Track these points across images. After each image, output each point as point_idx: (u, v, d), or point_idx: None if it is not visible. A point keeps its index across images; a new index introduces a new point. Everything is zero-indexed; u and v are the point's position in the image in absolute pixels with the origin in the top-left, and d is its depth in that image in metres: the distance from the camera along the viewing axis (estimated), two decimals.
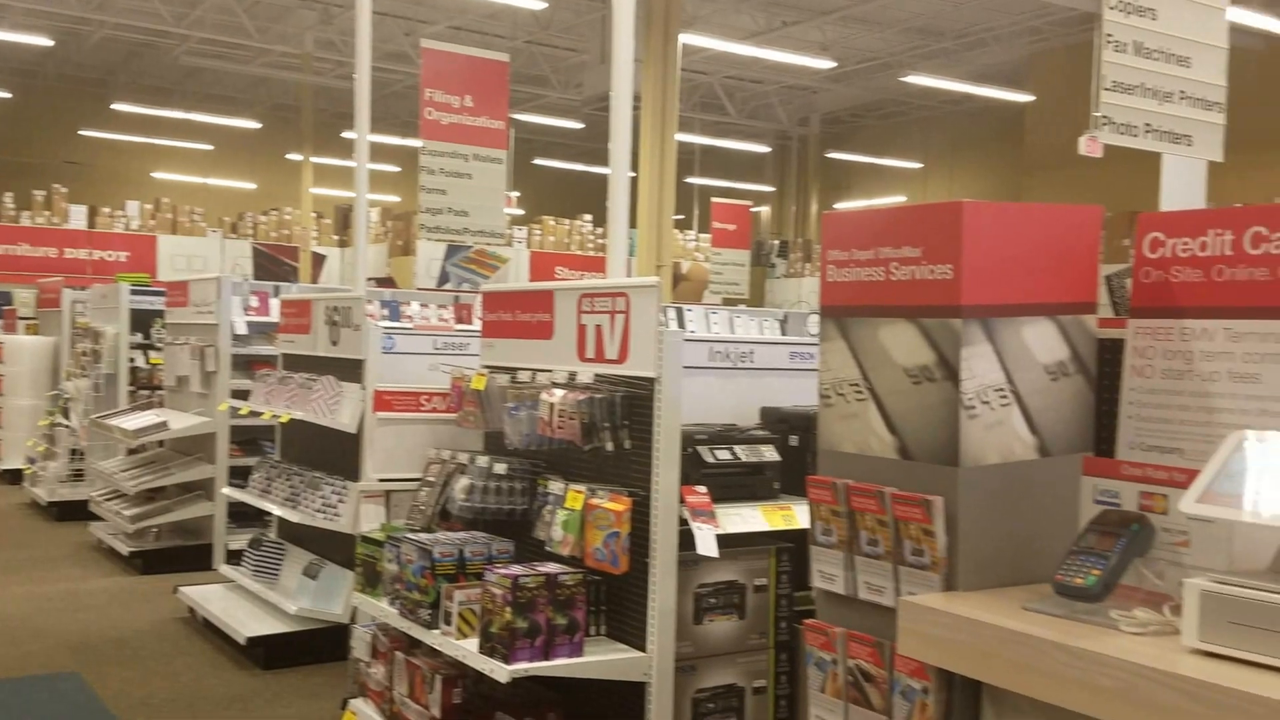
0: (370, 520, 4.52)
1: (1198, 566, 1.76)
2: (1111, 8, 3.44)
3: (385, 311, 8.06)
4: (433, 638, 3.36)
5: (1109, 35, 3.55)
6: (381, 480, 4.72)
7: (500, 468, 3.56)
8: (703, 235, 18.41)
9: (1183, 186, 5.00)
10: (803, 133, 23.47)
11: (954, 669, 1.88)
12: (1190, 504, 1.69)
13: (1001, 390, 2.01)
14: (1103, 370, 2.16)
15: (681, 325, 9.88)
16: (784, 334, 9.57)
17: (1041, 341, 2.06)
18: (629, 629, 3.28)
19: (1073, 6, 11.64)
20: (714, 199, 17.29)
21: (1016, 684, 1.77)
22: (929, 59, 17.59)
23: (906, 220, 2.06)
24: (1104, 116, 3.80)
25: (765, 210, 24.93)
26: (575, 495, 3.33)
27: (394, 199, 21.52)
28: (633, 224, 13.72)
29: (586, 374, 3.47)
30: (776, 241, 20.68)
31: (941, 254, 1.98)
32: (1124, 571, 1.81)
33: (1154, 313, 2.07)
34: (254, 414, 5.67)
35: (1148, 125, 3.96)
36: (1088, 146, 4.18)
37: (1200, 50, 3.97)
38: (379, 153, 18.85)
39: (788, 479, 3.46)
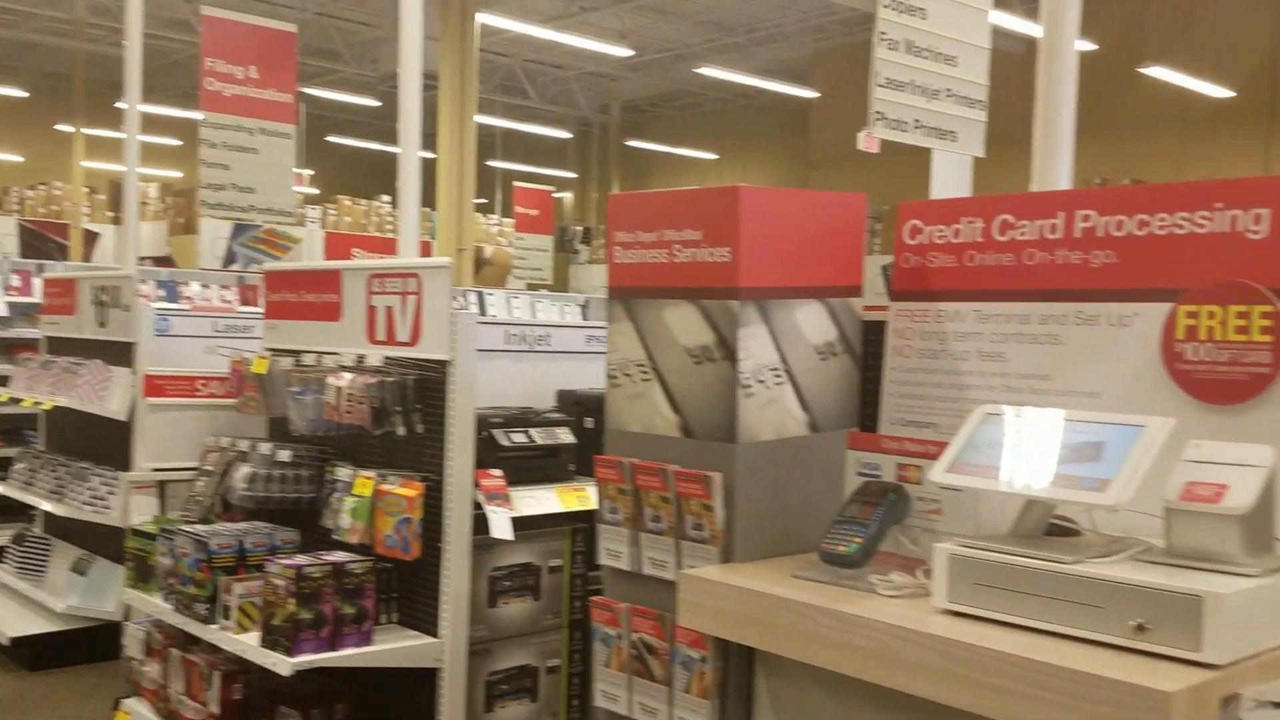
0: (142, 512, 4.28)
1: (949, 532, 1.89)
2: (885, 6, 3.59)
3: (162, 292, 7.61)
4: (210, 633, 3.21)
5: (883, 33, 3.71)
6: (155, 470, 4.48)
7: (284, 455, 3.43)
8: (506, 220, 18.27)
9: (950, 180, 5.33)
10: (604, 120, 23.66)
11: (729, 637, 1.95)
12: (940, 474, 1.81)
13: (776, 370, 2.10)
14: (868, 351, 2.28)
15: (483, 310, 9.79)
16: (586, 319, 9.64)
17: (812, 323, 2.16)
18: (421, 615, 3.24)
19: (854, 6, 12.21)
20: (516, 183, 17.20)
21: (785, 649, 1.86)
22: (722, 52, 18.05)
23: (688, 204, 2.11)
24: (878, 112, 3.96)
25: (568, 196, 24.99)
26: (364, 481, 3.25)
27: (176, 174, 20.30)
28: (433, 206, 13.49)
29: (376, 357, 3.39)
30: (580, 228, 20.77)
31: (720, 237, 2.04)
32: (883, 538, 1.92)
33: (912, 296, 2.21)
34: (14, 401, 5.26)
35: (917, 121, 4.15)
36: (866, 143, 4.38)
37: (966, 50, 4.21)
38: (159, 125, 17.76)
39: (583, 461, 3.49)
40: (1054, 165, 2.52)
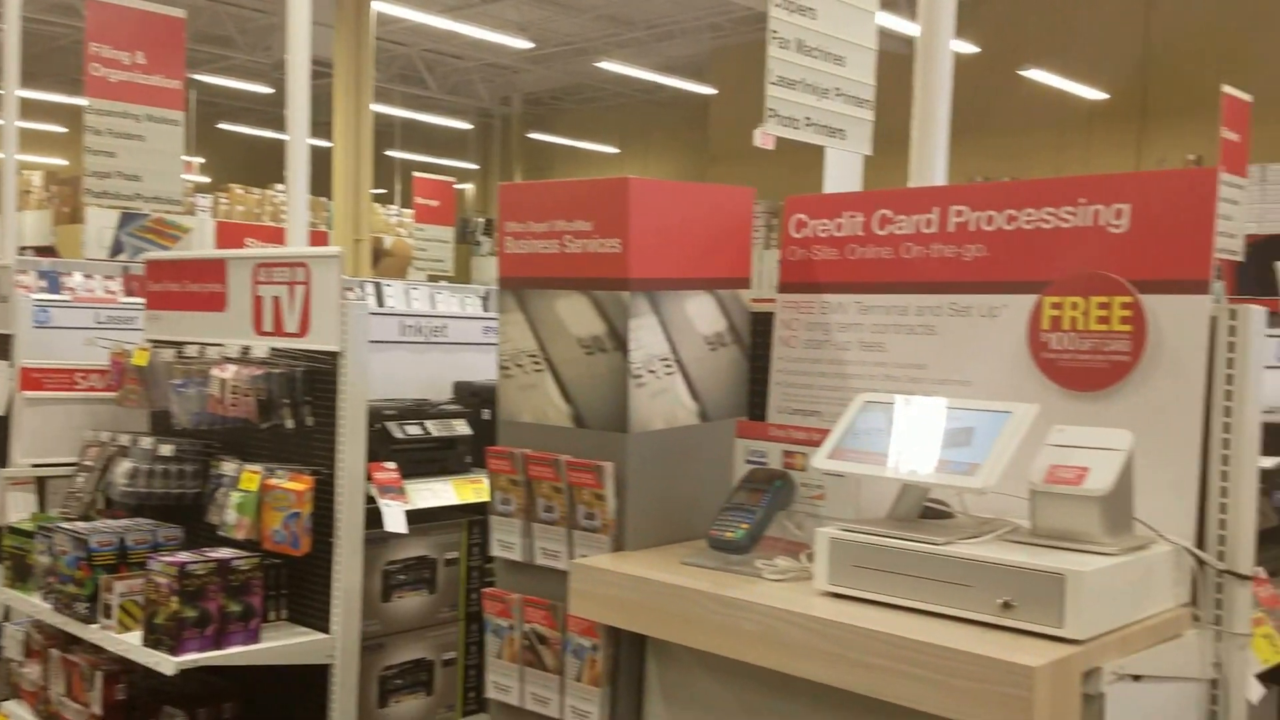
0: (20, 510, 4.10)
1: (832, 517, 1.95)
2: (776, 5, 3.65)
3: (44, 283, 7.30)
4: (91, 633, 3.11)
5: (774, 31, 3.77)
6: (33, 466, 4.30)
7: (167, 449, 3.34)
8: (406, 211, 18.02)
9: (843, 177, 5.45)
10: (505, 112, 23.50)
11: (620, 625, 1.98)
12: (821, 460, 1.87)
13: (666, 360, 2.13)
14: (756, 341, 2.33)
15: (380, 301, 9.63)
16: (487, 310, 9.56)
17: (702, 314, 2.19)
18: (312, 611, 3.19)
19: (750, 5, 12.36)
20: (416, 174, 16.97)
21: (674, 634, 1.89)
22: (622, 47, 18.10)
23: (578, 195, 2.12)
24: (771, 109, 4.02)
25: (470, 188, 24.75)
26: (251, 476, 3.18)
27: (61, 162, 19.49)
28: (330, 196, 13.22)
29: (263, 348, 3.32)
30: (482, 219, 20.59)
31: (611, 228, 2.06)
32: (769, 524, 1.97)
33: (798, 288, 2.26)
34: None
35: (808, 119, 4.23)
36: (761, 139, 4.45)
37: (854, 51, 4.30)
38: (44, 111, 17.01)
39: (480, 453, 3.47)
40: (930, 162, 2.61)
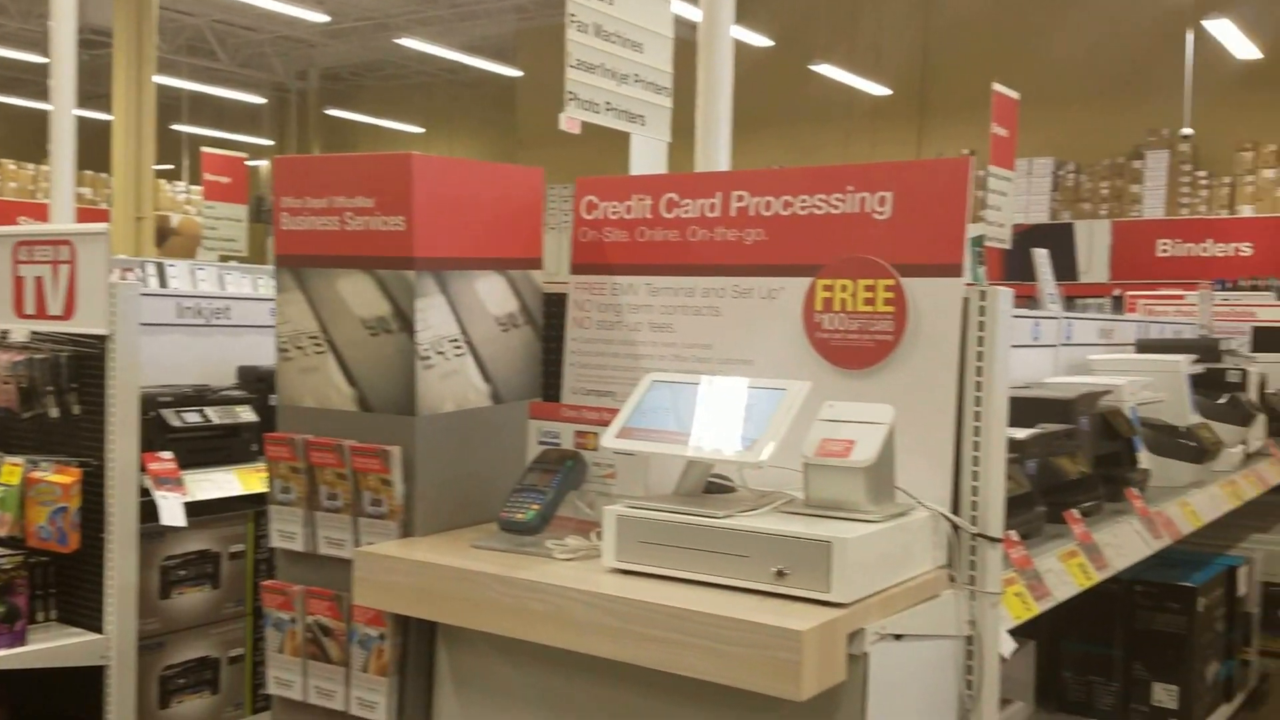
0: None
1: (622, 495, 1.98)
2: None
3: None
4: None
5: (572, 15, 3.78)
6: None
7: None
8: (195, 188, 17.05)
9: (648, 163, 5.53)
10: (301, 87, 22.59)
11: (406, 612, 1.95)
12: (610, 439, 1.90)
13: (456, 341, 2.10)
14: (550, 322, 2.33)
15: (164, 282, 9.09)
16: None
17: (493, 294, 2.18)
18: (84, 611, 3.00)
19: None
20: (205, 149, 16.09)
21: (464, 619, 1.87)
22: (425, 25, 17.72)
23: (359, 170, 2.06)
24: (571, 93, 4.03)
25: (265, 164, 23.68)
26: (12, 469, 2.96)
27: None
28: (109, 171, 12.37)
29: (24, 332, 3.08)
30: None
31: (393, 205, 2.01)
32: (560, 504, 1.98)
33: (590, 269, 2.28)
34: None
35: (608, 104, 4.26)
36: (567, 124, 4.45)
37: (651, 38, 4.36)
38: None
39: None
40: (715, 148, 2.68)
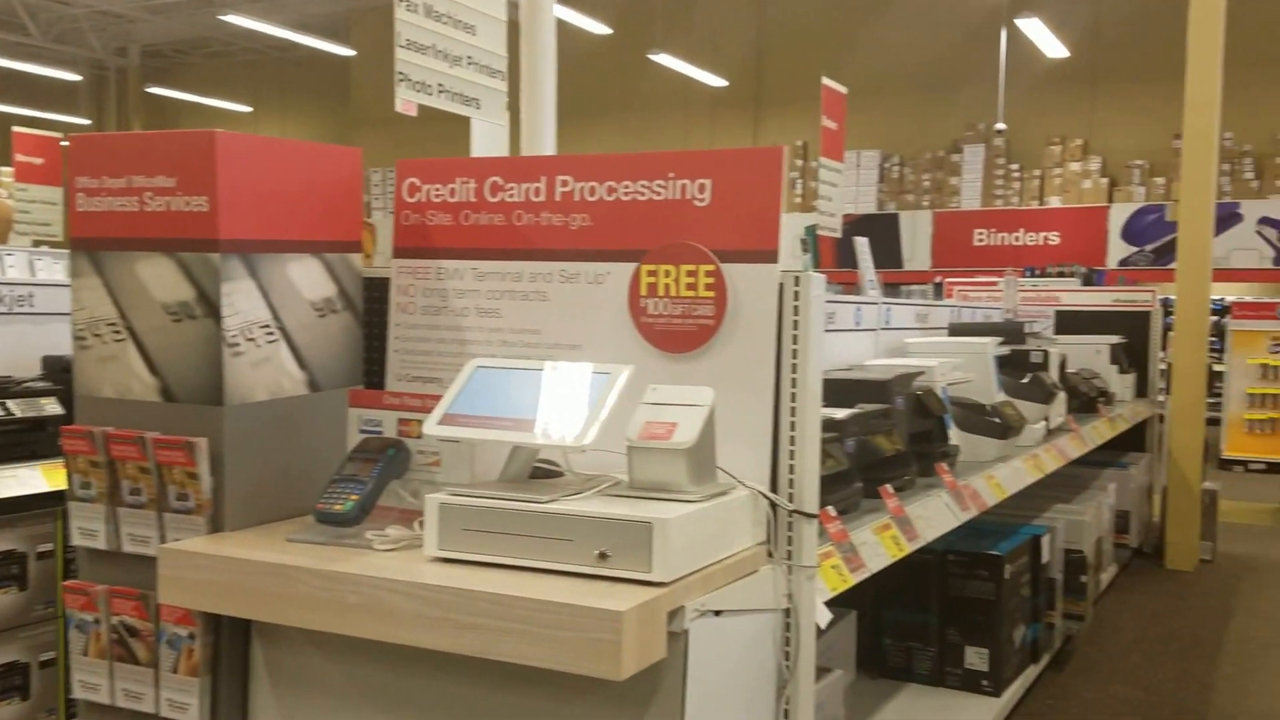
0: None
1: (447, 483, 1.95)
2: None
3: None
4: None
5: None
6: None
7: None
8: (5, 169, 15.90)
9: (489, 146, 5.45)
10: (121, 64, 21.34)
11: (216, 610, 1.87)
12: (432, 426, 1.86)
13: (268, 327, 2.02)
14: (372, 308, 2.27)
15: None
16: None
17: (308, 278, 2.11)
18: None
19: None
20: (16, 129, 15.03)
21: (279, 615, 1.81)
22: (252, 1, 17.00)
23: (159, 148, 1.96)
24: (401, 74, 3.94)
25: None
26: None
27: None
28: None
29: None
30: None
31: (196, 185, 1.92)
32: (381, 494, 1.93)
33: (413, 253, 2.23)
34: None
35: (441, 86, 4.18)
36: (403, 106, 4.34)
37: (484, 20, 4.29)
38: None
39: None
40: (540, 131, 2.67)
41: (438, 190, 2.21)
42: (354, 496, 1.89)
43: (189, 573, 1.85)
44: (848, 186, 13.09)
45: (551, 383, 1.87)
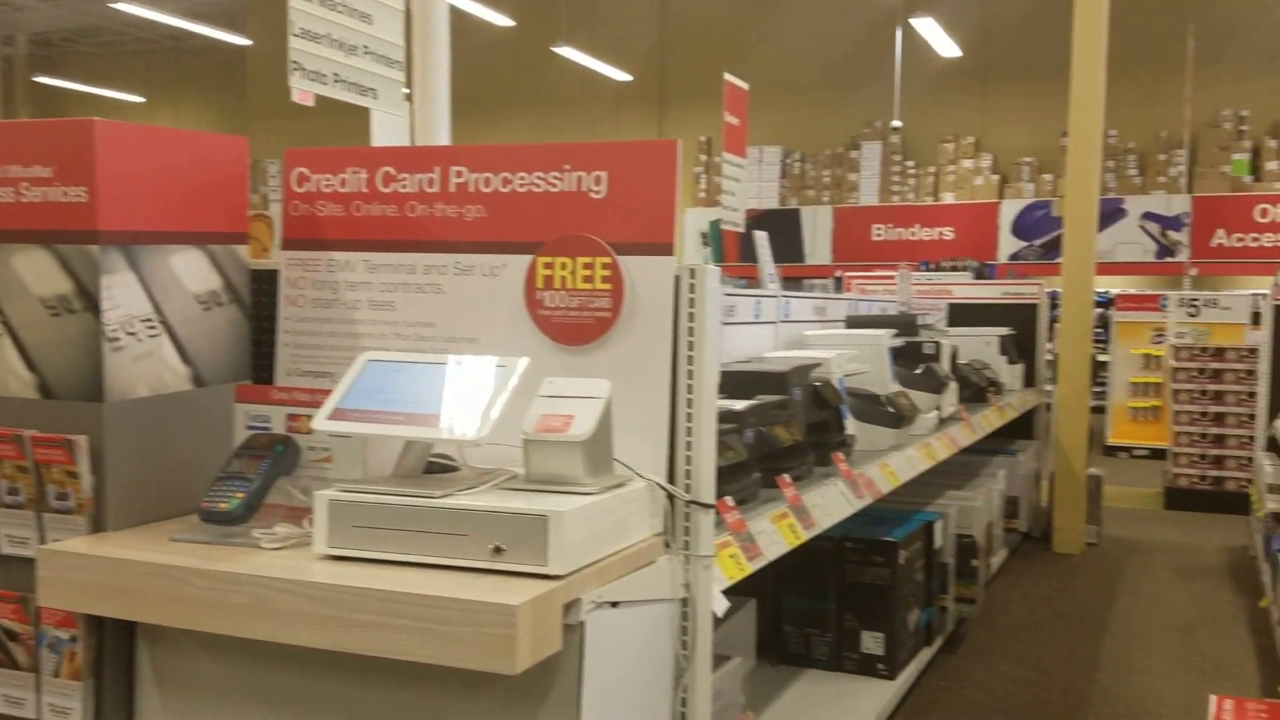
0: None
1: (339, 479, 1.91)
2: None
3: None
4: None
5: None
6: None
7: None
8: None
9: (389, 137, 5.37)
10: (8, 52, 20.42)
11: (98, 612, 1.81)
12: (321, 421, 1.83)
13: (149, 320, 1.96)
14: (260, 300, 2.22)
15: None
16: None
17: (191, 270, 2.05)
18: None
19: None
20: None
21: (164, 616, 1.76)
22: None
23: (36, 137, 1.88)
24: (295, 62, 3.86)
25: None
26: None
27: None
28: None
29: None
30: None
31: (74, 175, 1.85)
32: (268, 491, 1.89)
33: (303, 244, 2.19)
34: None
35: (336, 75, 4.10)
36: (299, 96, 4.24)
37: (380, 9, 4.22)
38: None
39: None
40: (434, 122, 2.64)
41: (328, 180, 2.17)
42: (240, 494, 1.85)
43: (70, 574, 1.78)
44: (751, 182, 13.25)
45: (445, 376, 1.85)
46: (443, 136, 2.69)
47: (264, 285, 2.23)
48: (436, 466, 1.92)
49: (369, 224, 2.14)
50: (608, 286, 1.98)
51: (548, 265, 2.02)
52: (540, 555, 1.65)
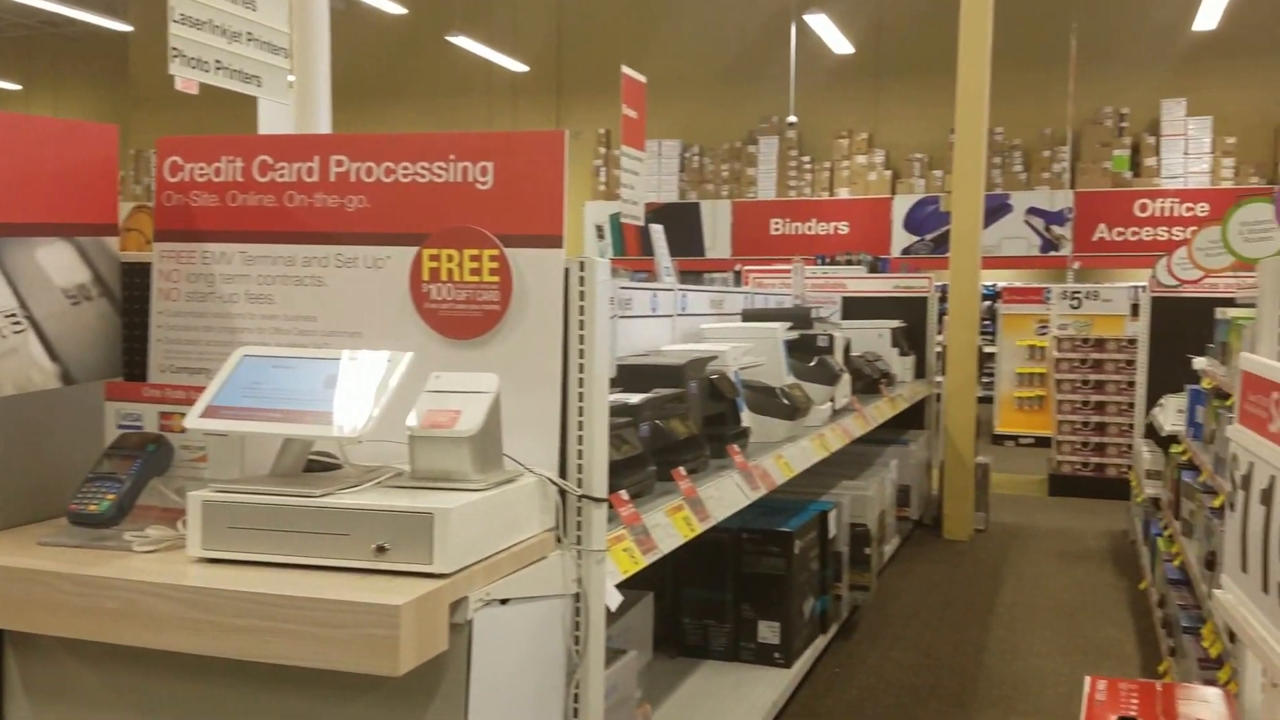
0: None
1: (215, 479, 1.84)
2: None
3: None
4: None
5: None
6: None
7: None
8: None
9: (276, 127, 5.22)
10: None
11: None
12: (194, 419, 1.76)
13: (14, 316, 1.86)
14: (132, 294, 2.13)
15: None
16: None
17: (58, 263, 1.95)
18: None
19: None
20: None
21: (32, 624, 1.68)
22: None
23: None
24: (175, 49, 3.73)
25: None
26: None
27: None
28: None
29: None
30: None
31: None
32: (141, 492, 1.81)
33: (177, 236, 2.10)
34: None
35: (219, 62, 3.97)
36: (183, 84, 4.10)
37: None
38: None
39: None
40: (314, 110, 2.57)
41: (202, 170, 2.09)
42: (110, 496, 1.77)
43: None
44: (650, 175, 13.29)
45: (326, 371, 1.80)
46: (323, 125, 2.62)
47: (136, 279, 2.13)
48: (318, 465, 1.87)
49: (246, 214, 2.07)
50: (495, 279, 1.95)
51: (434, 257, 1.98)
52: (425, 553, 1.62)
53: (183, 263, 2.10)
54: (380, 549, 1.63)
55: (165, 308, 2.11)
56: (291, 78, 4.33)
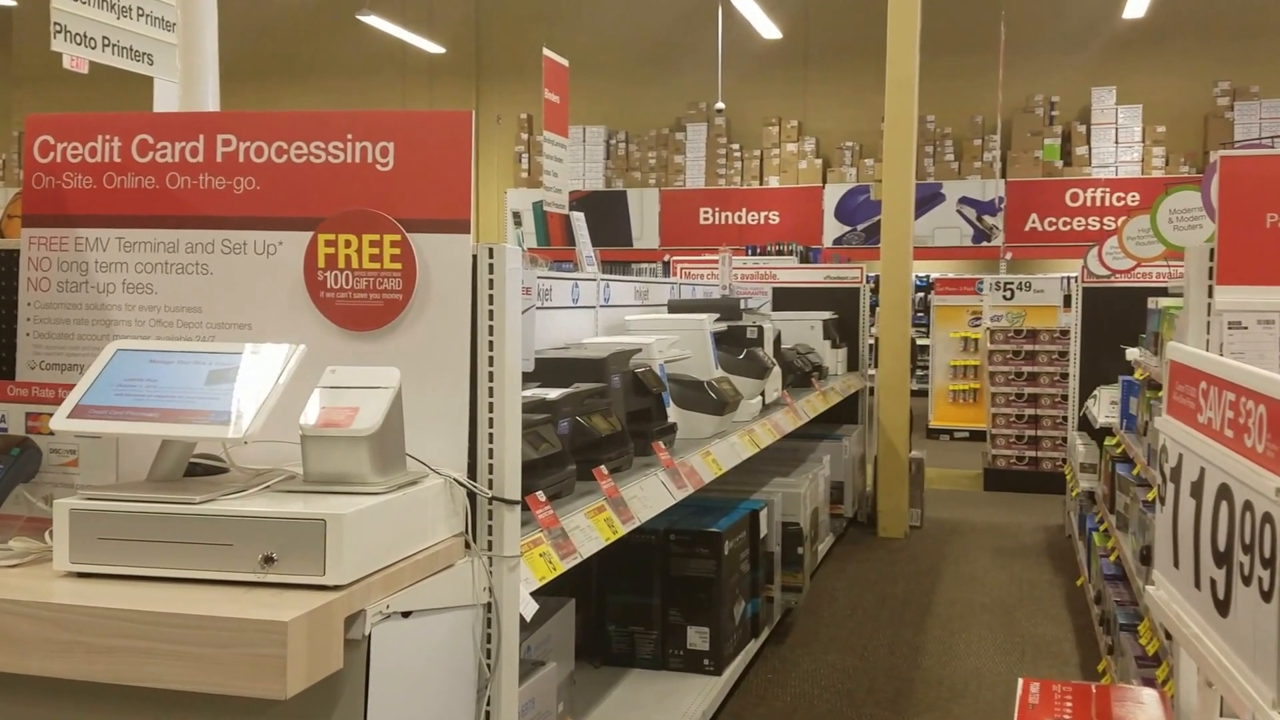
0: None
1: (86, 486, 1.68)
2: None
3: None
4: None
5: None
6: None
7: None
8: None
9: (171, 106, 4.99)
10: None
11: None
12: (60, 420, 1.60)
13: None
14: (1, 285, 1.95)
15: None
16: None
17: None
18: None
19: None
20: None
21: None
22: None
23: None
24: (58, 24, 3.52)
25: None
26: None
27: None
28: None
29: None
30: None
31: None
32: (4, 500, 1.66)
33: (47, 221, 1.93)
34: None
35: (106, 39, 3.77)
36: (72, 63, 3.89)
37: None
38: None
39: None
40: (199, 86, 2.40)
41: (75, 149, 1.92)
42: None
43: None
44: (574, 162, 13.10)
45: (209, 366, 1.65)
46: (210, 103, 2.45)
47: (2, 268, 1.96)
48: (201, 469, 1.71)
49: (123, 198, 1.90)
50: (397, 266, 1.81)
51: (330, 243, 1.83)
52: (317, 564, 1.48)
53: (54, 250, 1.93)
54: (267, 560, 1.48)
55: (34, 299, 1.94)
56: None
